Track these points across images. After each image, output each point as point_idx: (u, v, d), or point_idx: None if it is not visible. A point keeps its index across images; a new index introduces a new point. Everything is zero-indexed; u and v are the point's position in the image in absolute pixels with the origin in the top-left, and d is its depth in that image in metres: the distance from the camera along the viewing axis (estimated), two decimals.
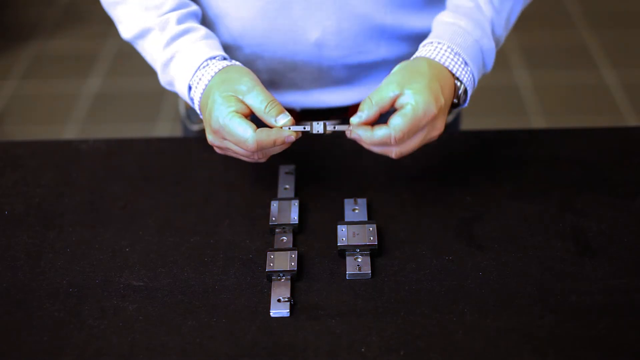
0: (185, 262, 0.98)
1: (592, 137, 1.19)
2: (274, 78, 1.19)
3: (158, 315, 0.91)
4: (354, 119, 0.96)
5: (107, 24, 1.19)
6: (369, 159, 1.14)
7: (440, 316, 0.89)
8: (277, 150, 0.98)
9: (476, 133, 1.21)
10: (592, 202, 1.05)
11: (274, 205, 1.04)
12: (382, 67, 1.20)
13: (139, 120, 2.84)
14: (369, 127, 0.95)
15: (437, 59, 1.01)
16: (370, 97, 0.96)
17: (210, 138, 1.01)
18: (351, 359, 0.85)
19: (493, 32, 1.08)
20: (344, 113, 1.24)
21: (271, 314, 0.90)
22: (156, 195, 1.09)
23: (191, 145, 1.21)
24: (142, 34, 1.09)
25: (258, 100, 0.97)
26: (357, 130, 0.96)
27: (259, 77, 1.17)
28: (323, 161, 1.14)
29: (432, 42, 1.04)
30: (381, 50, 1.17)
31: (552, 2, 3.44)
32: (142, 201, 1.08)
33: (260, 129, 0.96)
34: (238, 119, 0.96)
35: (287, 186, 1.09)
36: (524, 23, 3.35)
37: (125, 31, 1.11)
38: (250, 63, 1.16)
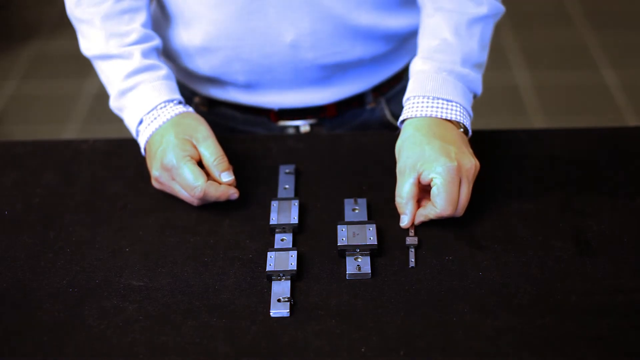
0: (185, 262, 0.98)
1: (592, 137, 1.19)
2: (250, 79, 1.19)
3: (158, 315, 0.91)
4: (403, 223, 1.00)
5: None
6: (369, 159, 1.14)
7: (440, 316, 0.89)
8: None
9: (476, 133, 1.21)
10: (592, 202, 1.05)
11: (274, 205, 1.04)
12: (357, 66, 1.20)
13: None
14: (423, 214, 1.00)
15: (417, 114, 1.03)
16: (401, 195, 1.00)
17: (157, 174, 1.05)
18: (351, 359, 0.85)
19: (466, 60, 1.08)
20: (320, 112, 1.25)
21: (271, 314, 0.90)
22: (156, 195, 1.09)
23: None
24: (103, 57, 1.13)
25: (209, 151, 1.04)
26: (417, 221, 1.01)
27: (236, 79, 1.19)
28: (323, 161, 1.14)
29: (408, 99, 1.06)
30: (356, 50, 1.17)
31: (552, 2, 3.44)
32: (142, 201, 1.08)
33: (210, 181, 1.03)
34: (191, 166, 1.02)
35: (287, 186, 1.09)
36: (524, 23, 3.36)
37: (86, 49, 1.15)
38: (226, 65, 1.17)
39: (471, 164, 0.99)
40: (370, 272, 0.95)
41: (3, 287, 0.95)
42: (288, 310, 0.90)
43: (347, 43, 1.16)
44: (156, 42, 1.14)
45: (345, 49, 1.16)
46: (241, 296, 0.93)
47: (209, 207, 1.06)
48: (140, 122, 1.09)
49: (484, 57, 1.11)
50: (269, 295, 0.92)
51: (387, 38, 1.19)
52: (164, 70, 1.12)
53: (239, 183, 1.10)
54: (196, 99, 1.29)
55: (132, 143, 1.22)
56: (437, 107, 1.04)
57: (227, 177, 1.04)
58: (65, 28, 3.40)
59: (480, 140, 1.18)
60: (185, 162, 1.02)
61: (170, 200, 1.08)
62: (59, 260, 0.99)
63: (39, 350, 0.87)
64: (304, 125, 1.27)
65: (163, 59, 1.19)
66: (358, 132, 1.28)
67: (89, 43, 1.14)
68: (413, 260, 0.96)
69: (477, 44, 1.09)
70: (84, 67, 3.14)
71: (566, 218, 1.02)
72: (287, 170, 1.12)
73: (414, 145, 1.00)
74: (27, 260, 0.99)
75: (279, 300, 0.91)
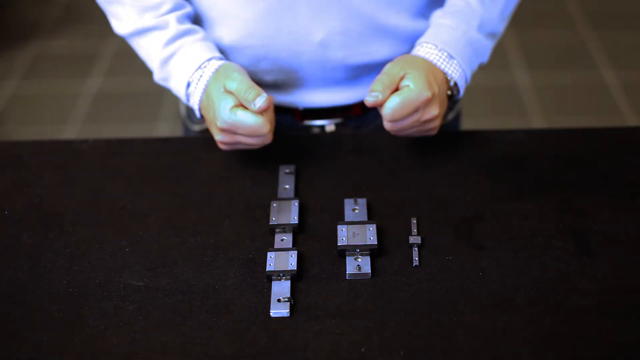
0: (185, 262, 0.98)
1: (592, 137, 1.19)
2: (277, 78, 1.19)
3: (158, 315, 0.91)
4: (369, 99, 1.05)
5: (107, 24, 1.20)
6: (369, 159, 1.14)
7: (440, 316, 0.89)
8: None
9: (476, 133, 1.21)
10: (592, 202, 1.05)
11: (274, 205, 1.04)
12: (384, 66, 1.20)
13: (139, 120, 2.84)
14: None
15: (423, 56, 1.11)
16: (382, 79, 1.05)
17: (220, 137, 1.07)
18: (351, 359, 0.85)
19: (482, 26, 1.15)
20: (345, 112, 1.25)
21: (271, 314, 0.90)
22: (156, 195, 1.09)
23: (191, 145, 1.21)
24: (139, 32, 1.13)
25: (234, 84, 1.04)
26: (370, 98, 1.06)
27: (262, 78, 1.19)
28: (323, 161, 1.14)
29: (420, 43, 1.13)
30: (384, 51, 1.17)
31: (552, 2, 3.44)
32: (142, 201, 1.08)
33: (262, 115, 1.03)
34: (242, 112, 1.03)
35: (287, 186, 1.09)
36: (524, 23, 3.36)
37: (121, 28, 1.15)
38: (254, 64, 1.17)
39: (436, 113, 1.07)
40: (370, 272, 0.95)
41: (3, 287, 0.95)
42: (288, 310, 0.90)
43: (376, 43, 1.17)
44: (189, 9, 1.15)
45: (373, 49, 1.17)
46: (241, 296, 0.93)
47: (209, 207, 1.06)
48: (188, 84, 1.10)
49: (501, 28, 1.19)
50: (269, 295, 0.92)
51: (414, 40, 1.19)
52: (200, 32, 1.13)
53: (238, 183, 1.10)
54: None
55: (132, 143, 1.22)
56: (441, 57, 1.11)
57: (260, 101, 1.02)
58: (65, 28, 3.40)
59: (480, 140, 1.18)
60: (234, 112, 1.03)
61: (170, 200, 1.08)
62: (59, 260, 0.99)
63: (39, 350, 0.87)
64: (329, 125, 1.26)
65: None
66: (358, 132, 1.28)
67: (122, 22, 1.14)
68: (417, 259, 0.96)
69: (497, 15, 1.16)
70: (84, 67, 3.15)
71: (566, 218, 1.02)
72: (287, 170, 1.12)
73: (415, 62, 1.09)
74: (27, 260, 0.99)
75: (279, 300, 0.91)
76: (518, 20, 3.29)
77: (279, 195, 1.08)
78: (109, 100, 2.94)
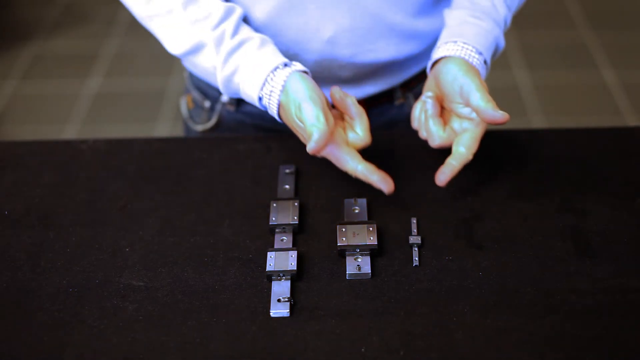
0: (185, 262, 0.98)
1: (592, 137, 1.19)
2: None
3: (158, 315, 0.91)
4: (500, 116, 0.99)
5: (107, 24, 1.20)
6: (369, 159, 1.14)
7: (440, 316, 0.89)
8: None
9: None
10: (592, 202, 1.05)
11: (274, 205, 1.04)
12: (389, 67, 1.21)
13: (139, 120, 2.84)
14: (452, 164, 1.02)
15: (472, 62, 1.06)
16: (487, 95, 1.01)
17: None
18: (351, 359, 0.85)
19: (502, 24, 1.14)
20: None
21: (271, 314, 0.90)
22: (156, 195, 1.09)
23: (191, 145, 1.21)
24: (195, 50, 1.07)
25: (303, 120, 1.00)
26: (447, 169, 1.02)
27: None
28: (323, 161, 1.14)
29: (456, 42, 1.07)
30: (390, 50, 1.18)
31: (552, 2, 3.44)
32: (142, 201, 1.08)
33: (365, 165, 1.01)
34: (342, 152, 1.01)
35: (287, 186, 1.09)
36: (524, 23, 3.36)
37: (174, 47, 1.09)
38: None
39: None
40: (370, 272, 0.95)
41: (3, 287, 0.95)
42: (288, 310, 0.90)
43: (383, 42, 1.17)
44: (239, 11, 1.08)
45: (380, 47, 1.17)
46: (241, 296, 0.93)
47: (209, 207, 1.06)
48: (260, 98, 1.05)
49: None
50: (269, 295, 0.92)
51: (421, 39, 1.19)
52: (255, 39, 1.06)
53: (238, 183, 1.10)
54: (224, 98, 1.28)
55: (132, 143, 1.22)
56: (480, 63, 1.07)
57: (310, 147, 0.97)
58: (65, 28, 3.40)
59: (481, 140, 1.18)
60: (336, 147, 1.01)
61: (170, 200, 1.08)
62: (59, 260, 0.99)
63: (39, 350, 0.87)
64: None
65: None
66: None
67: (175, 39, 1.08)
68: (417, 259, 0.96)
69: (512, 16, 1.16)
70: (84, 67, 3.15)
71: (566, 218, 1.02)
72: (287, 170, 1.12)
73: (476, 77, 1.03)
74: (27, 260, 0.99)
75: (279, 300, 0.91)
76: (518, 20, 3.28)
77: (279, 195, 1.08)
78: (109, 100, 2.94)
